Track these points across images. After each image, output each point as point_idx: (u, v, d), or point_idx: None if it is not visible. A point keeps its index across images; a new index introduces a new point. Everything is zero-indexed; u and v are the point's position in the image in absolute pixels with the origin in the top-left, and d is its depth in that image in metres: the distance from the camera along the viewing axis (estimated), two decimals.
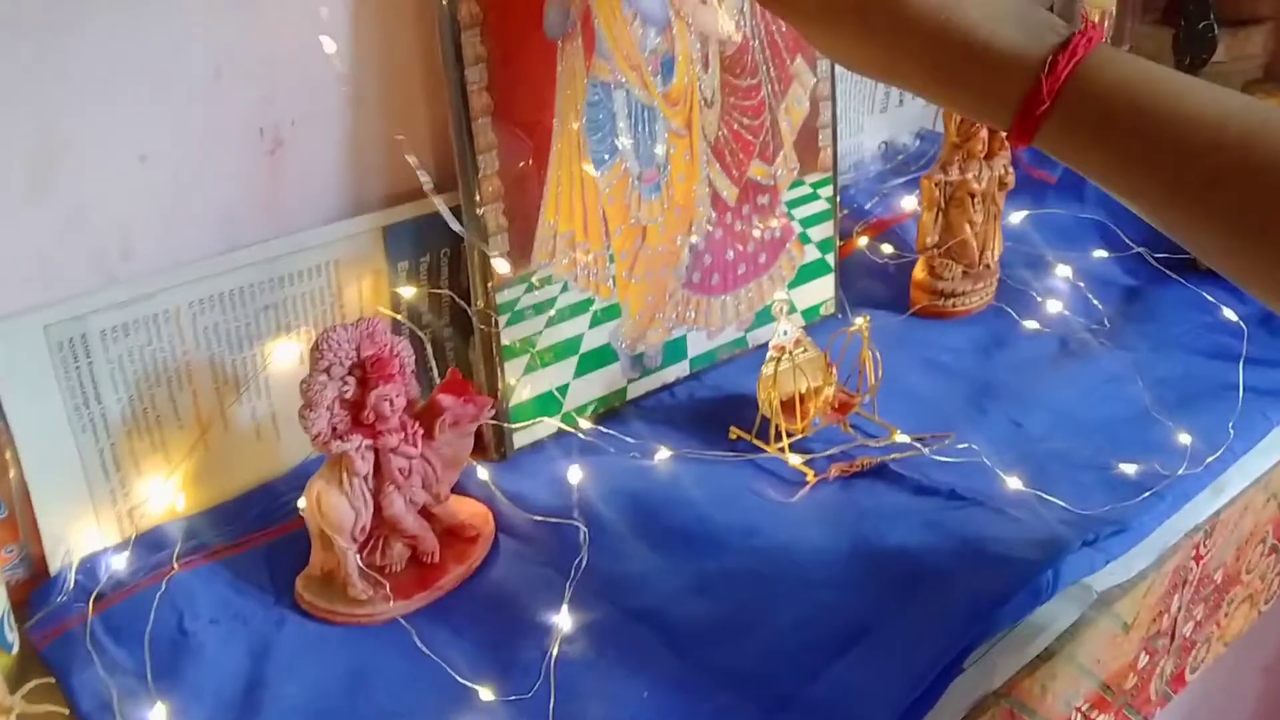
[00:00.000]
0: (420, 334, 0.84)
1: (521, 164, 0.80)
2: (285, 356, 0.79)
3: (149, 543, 0.76)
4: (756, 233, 0.96)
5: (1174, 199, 0.56)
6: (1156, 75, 0.57)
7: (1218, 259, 0.58)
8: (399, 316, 0.83)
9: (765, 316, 0.99)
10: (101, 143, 0.69)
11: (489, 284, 0.81)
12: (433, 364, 0.84)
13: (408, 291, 0.83)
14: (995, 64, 0.58)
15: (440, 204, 0.76)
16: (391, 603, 0.72)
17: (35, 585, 0.73)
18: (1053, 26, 0.58)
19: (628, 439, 0.86)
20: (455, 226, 0.78)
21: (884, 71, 0.63)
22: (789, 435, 0.85)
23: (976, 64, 0.59)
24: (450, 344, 0.88)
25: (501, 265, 0.80)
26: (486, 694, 0.64)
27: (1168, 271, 1.06)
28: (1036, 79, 0.57)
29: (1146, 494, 0.78)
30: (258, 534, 0.78)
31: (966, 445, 0.83)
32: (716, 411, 0.92)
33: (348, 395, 0.70)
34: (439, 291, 0.85)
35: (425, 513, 0.76)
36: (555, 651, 0.66)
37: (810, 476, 0.82)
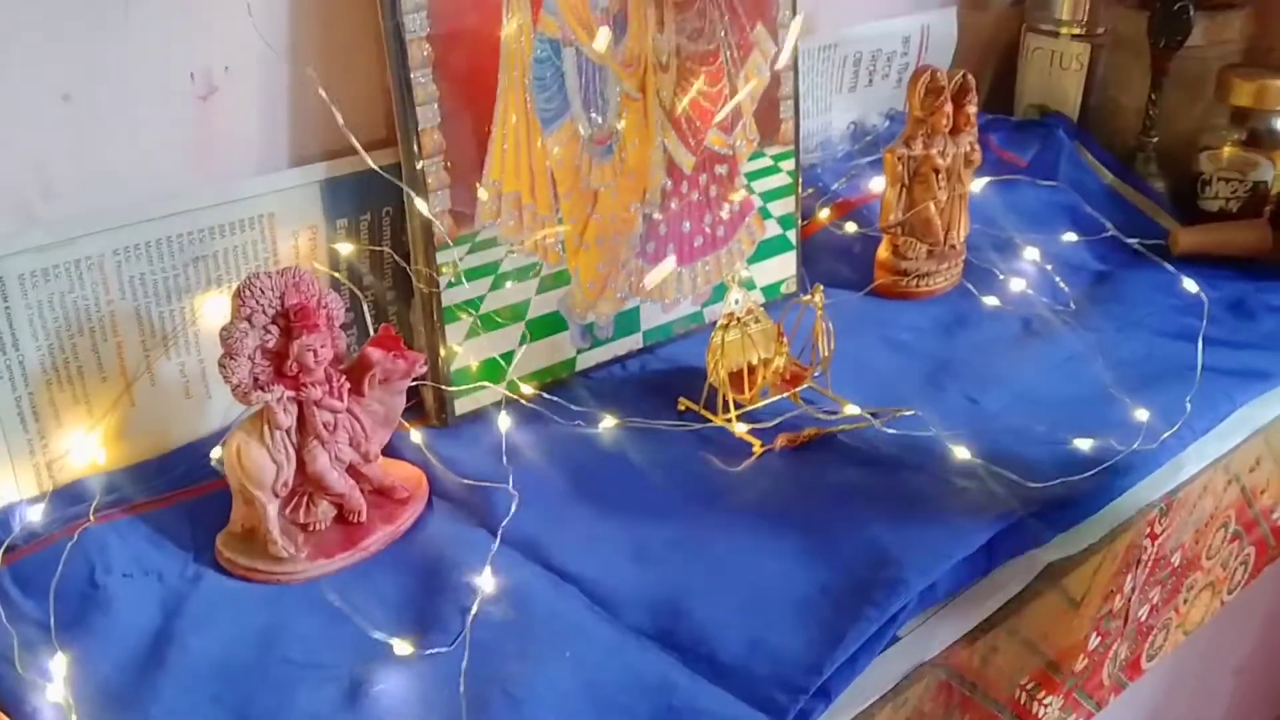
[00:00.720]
0: (359, 294, 0.82)
1: (467, 122, 0.79)
2: (216, 311, 0.77)
3: (68, 496, 0.74)
4: (723, 212, 0.94)
5: None
6: None
7: None
8: (337, 274, 0.81)
9: (723, 291, 0.97)
10: (21, 78, 0.67)
11: (430, 244, 0.79)
12: (369, 327, 0.82)
13: (345, 248, 0.81)
14: None
15: (366, 156, 0.74)
16: (313, 561, 0.70)
17: None
18: None
19: (573, 407, 0.84)
20: (388, 176, 0.76)
21: None
22: (737, 406, 0.83)
23: None
24: (393, 306, 0.86)
25: (441, 225, 0.78)
26: (402, 647, 0.62)
27: (1141, 253, 1.05)
28: None
29: (1099, 469, 0.76)
30: (182, 490, 0.75)
31: (913, 413, 0.81)
32: (667, 385, 0.89)
33: (270, 345, 0.68)
34: (377, 249, 0.83)
35: (355, 473, 0.73)
36: (474, 610, 0.64)
37: (757, 446, 0.80)
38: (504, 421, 0.79)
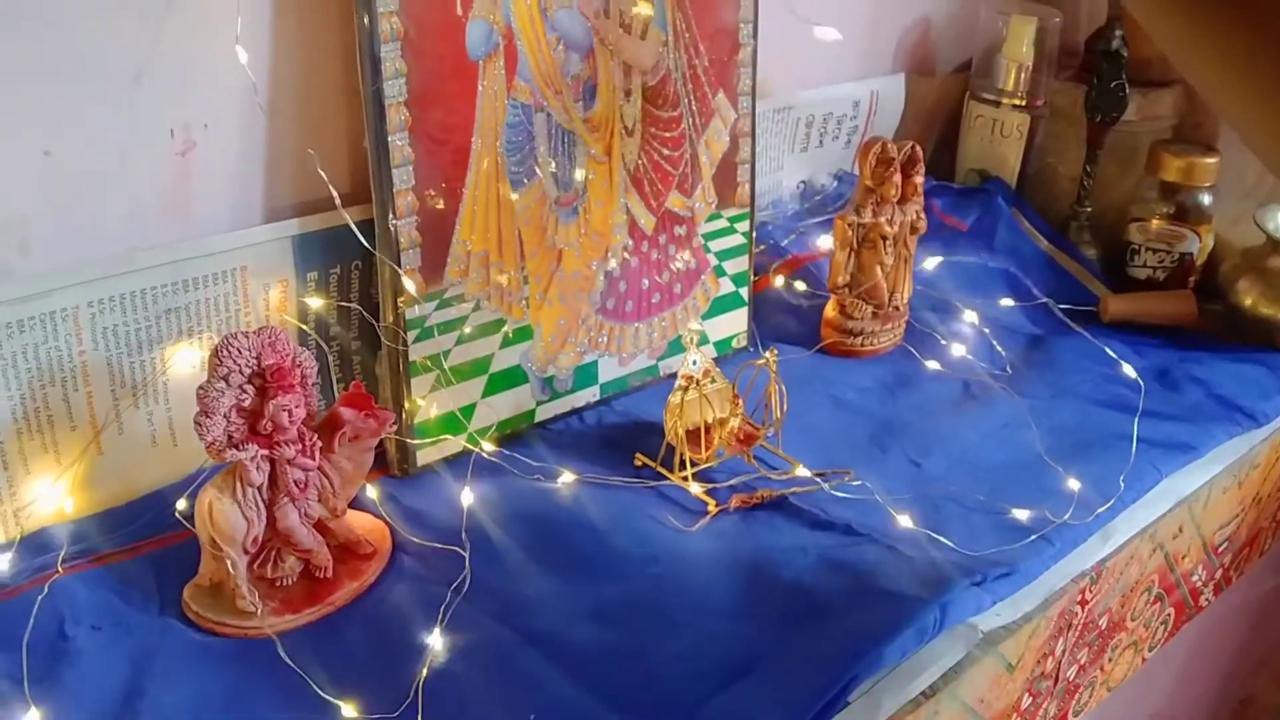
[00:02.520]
0: (325, 346, 0.84)
1: (440, 184, 0.81)
2: (186, 362, 0.78)
3: (35, 544, 0.74)
4: (678, 264, 0.97)
5: None
6: None
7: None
8: (305, 327, 0.82)
9: (678, 346, 1.00)
10: (3, 134, 0.68)
11: (398, 299, 0.81)
12: (334, 378, 0.84)
13: (315, 303, 0.83)
14: None
15: (350, 221, 0.76)
16: (280, 616, 0.71)
17: None
18: None
19: (532, 461, 0.86)
20: (367, 243, 0.78)
21: None
22: (693, 464, 0.85)
23: None
24: (358, 357, 0.87)
25: (410, 284, 0.80)
26: (348, 710, 0.64)
27: (1071, 323, 1.09)
28: None
29: (1035, 538, 0.80)
30: (148, 541, 0.76)
31: (861, 483, 0.84)
32: (624, 438, 0.92)
33: (246, 404, 0.69)
34: (347, 305, 0.84)
35: (321, 527, 0.75)
36: (425, 672, 0.66)
37: (711, 506, 0.83)
38: (470, 490, 0.81)
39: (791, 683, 0.67)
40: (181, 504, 0.75)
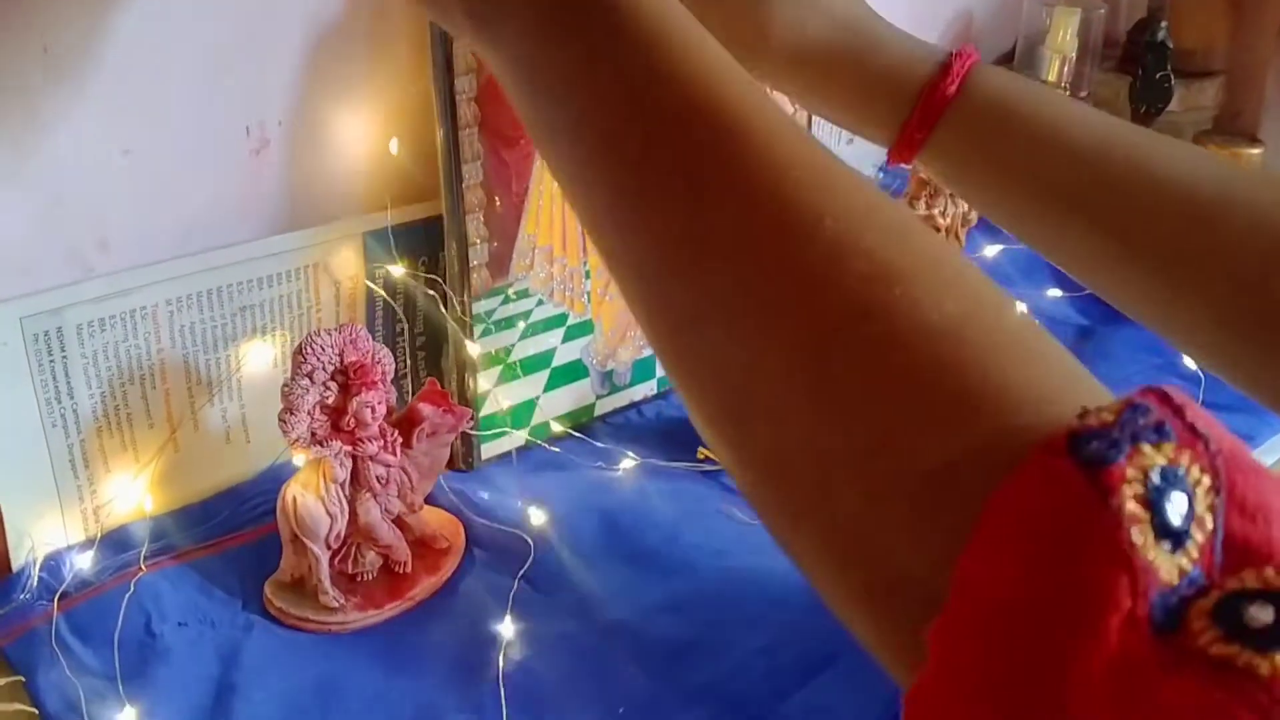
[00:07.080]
0: (407, 321, 0.84)
1: (509, 180, 0.81)
2: (259, 359, 0.79)
3: (114, 542, 0.74)
4: None
5: (1045, 218, 0.56)
6: (1032, 95, 0.56)
7: (1084, 275, 0.58)
8: (385, 294, 0.82)
9: None
10: (84, 134, 0.68)
11: (465, 293, 0.81)
12: (408, 362, 0.84)
13: (396, 270, 0.82)
14: (876, 80, 0.57)
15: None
16: (363, 611, 0.71)
17: None
18: (927, 45, 0.58)
19: (595, 452, 0.86)
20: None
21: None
22: None
23: (862, 77, 0.58)
24: (423, 352, 0.88)
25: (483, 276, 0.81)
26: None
27: (1120, 314, 1.09)
28: (919, 96, 0.56)
29: None
30: (227, 537, 0.76)
31: None
32: (683, 431, 0.92)
33: (329, 401, 0.70)
34: (424, 275, 0.84)
35: (398, 522, 0.75)
36: (502, 664, 0.67)
37: None
38: (541, 483, 0.81)
39: (871, 676, 0.67)
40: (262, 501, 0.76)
